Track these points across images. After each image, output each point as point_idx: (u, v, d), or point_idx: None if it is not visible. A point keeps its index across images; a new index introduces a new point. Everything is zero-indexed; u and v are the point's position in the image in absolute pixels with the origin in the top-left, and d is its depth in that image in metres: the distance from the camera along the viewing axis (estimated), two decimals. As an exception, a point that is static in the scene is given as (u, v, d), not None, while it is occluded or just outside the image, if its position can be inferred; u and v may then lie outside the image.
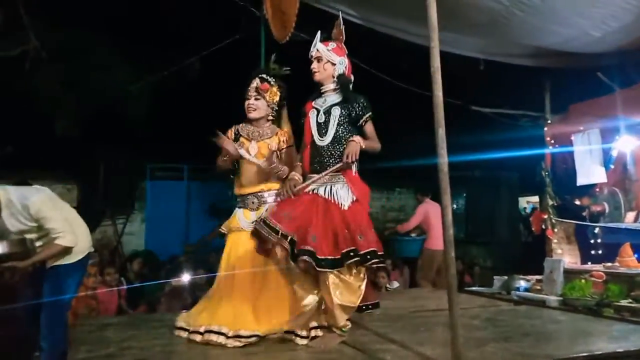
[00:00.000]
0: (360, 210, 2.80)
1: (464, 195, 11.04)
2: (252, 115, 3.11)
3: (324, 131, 2.86)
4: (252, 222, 2.91)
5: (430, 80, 2.37)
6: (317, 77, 2.94)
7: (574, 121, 5.21)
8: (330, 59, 2.89)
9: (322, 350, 2.67)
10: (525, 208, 11.56)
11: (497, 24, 4.05)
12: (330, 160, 2.83)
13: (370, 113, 2.87)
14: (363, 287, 2.76)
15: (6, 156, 3.73)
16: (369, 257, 2.65)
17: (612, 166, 5.07)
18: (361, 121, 2.85)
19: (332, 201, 2.75)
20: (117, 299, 5.08)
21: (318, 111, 2.91)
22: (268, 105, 3.11)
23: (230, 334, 2.72)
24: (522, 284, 4.64)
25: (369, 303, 2.92)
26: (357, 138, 2.77)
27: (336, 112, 2.86)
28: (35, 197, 3.04)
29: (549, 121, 5.57)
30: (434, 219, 6.24)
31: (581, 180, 5.08)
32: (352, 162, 2.76)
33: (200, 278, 5.47)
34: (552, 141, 5.48)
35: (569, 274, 4.41)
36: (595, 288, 4.06)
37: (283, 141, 3.13)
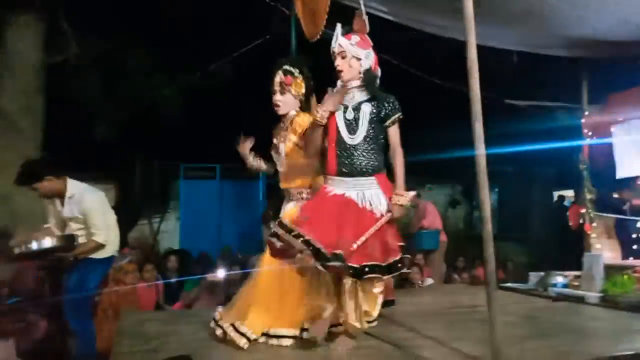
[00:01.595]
0: (392, 220, 2.63)
1: (496, 190, 10.85)
2: (280, 111, 2.99)
3: (354, 129, 2.65)
4: None
5: (463, 74, 2.34)
6: (345, 76, 2.70)
7: (613, 111, 5.05)
8: (355, 54, 2.66)
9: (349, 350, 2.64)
10: (558, 200, 11.17)
11: (533, 14, 3.94)
12: (363, 161, 2.64)
13: (399, 114, 2.68)
14: (381, 296, 2.67)
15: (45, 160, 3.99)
16: (392, 268, 2.55)
17: (654, 158, 4.89)
18: (389, 121, 2.66)
19: (365, 207, 2.60)
20: (155, 295, 5.22)
21: (346, 108, 2.69)
22: (295, 98, 2.97)
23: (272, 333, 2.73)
24: (560, 280, 4.52)
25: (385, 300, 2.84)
26: (398, 199, 2.58)
27: (367, 109, 2.66)
28: (91, 196, 3.68)
29: (587, 112, 5.40)
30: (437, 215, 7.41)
31: (621, 173, 4.92)
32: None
33: (235, 274, 5.56)
34: (590, 133, 5.32)
35: (610, 269, 4.28)
36: (639, 284, 3.93)
37: (299, 125, 2.91)
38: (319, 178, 2.88)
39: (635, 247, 4.91)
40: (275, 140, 3.04)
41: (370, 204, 2.61)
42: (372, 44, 2.74)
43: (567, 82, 5.61)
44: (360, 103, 2.69)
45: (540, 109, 6.03)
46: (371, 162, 2.65)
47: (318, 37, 3.55)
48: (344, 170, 2.65)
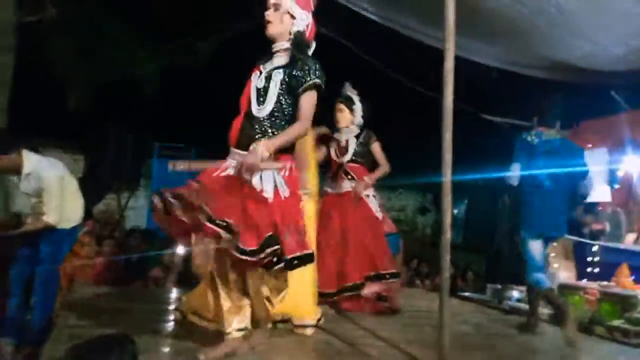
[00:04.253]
0: (294, 205, 2.28)
1: (465, 201, 11.03)
2: None
3: (262, 99, 2.31)
4: None
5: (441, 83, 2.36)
6: (271, 30, 2.35)
7: (582, 138, 5.20)
8: (290, 11, 2.34)
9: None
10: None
11: (516, 33, 4.03)
12: (266, 136, 2.26)
13: (315, 81, 2.26)
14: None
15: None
16: (295, 262, 2.19)
17: (617, 186, 5.05)
18: (301, 89, 2.26)
19: (258, 190, 2.21)
20: (113, 271, 5.13)
21: (260, 74, 2.38)
22: None
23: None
24: (515, 294, 4.64)
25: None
26: (256, 146, 2.14)
27: (278, 76, 2.31)
28: (50, 173, 3.48)
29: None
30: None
31: (585, 198, 5.06)
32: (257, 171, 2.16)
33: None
34: (559, 156, 5.46)
35: (564, 289, 4.41)
36: (589, 305, 4.06)
37: None
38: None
39: (589, 269, 5.07)
40: None
41: (258, 185, 2.21)
42: (312, 9, 2.44)
43: (542, 103, 5.72)
44: (275, 69, 2.35)
45: (515, 127, 6.14)
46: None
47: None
48: (243, 141, 2.30)
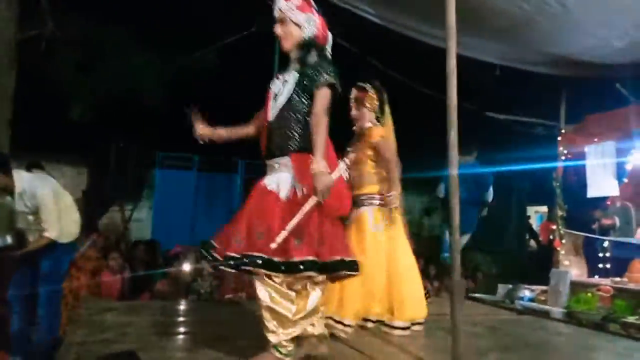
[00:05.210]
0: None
1: (472, 200, 10.92)
2: (358, 124, 3.16)
3: (276, 102, 2.33)
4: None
5: (444, 82, 2.33)
6: (284, 45, 2.35)
7: (588, 132, 5.15)
8: (295, 20, 2.30)
9: None
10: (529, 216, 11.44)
11: (517, 30, 3.99)
12: (278, 139, 2.27)
13: (328, 79, 2.22)
14: (307, 299, 2.21)
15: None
16: (282, 267, 2.08)
17: (625, 180, 4.99)
18: (313, 88, 2.23)
19: (272, 191, 2.23)
20: (119, 284, 5.10)
21: (278, 80, 2.38)
22: (370, 111, 3.14)
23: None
24: (527, 293, 4.59)
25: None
26: (317, 166, 2.11)
27: (292, 79, 2.30)
28: (43, 189, 3.51)
29: (563, 131, 5.49)
30: None
31: (592, 192, 5.01)
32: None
33: (204, 268, 5.47)
34: (565, 151, 5.42)
35: (575, 286, 4.36)
36: (602, 302, 4.01)
37: (370, 136, 3.07)
38: (386, 184, 3.11)
39: (601, 265, 5.00)
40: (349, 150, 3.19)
41: (276, 187, 2.24)
42: (314, 7, 2.38)
43: (547, 99, 5.69)
44: (290, 73, 2.35)
45: (520, 123, 6.10)
46: (287, 140, 2.25)
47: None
48: (267, 152, 2.34)
